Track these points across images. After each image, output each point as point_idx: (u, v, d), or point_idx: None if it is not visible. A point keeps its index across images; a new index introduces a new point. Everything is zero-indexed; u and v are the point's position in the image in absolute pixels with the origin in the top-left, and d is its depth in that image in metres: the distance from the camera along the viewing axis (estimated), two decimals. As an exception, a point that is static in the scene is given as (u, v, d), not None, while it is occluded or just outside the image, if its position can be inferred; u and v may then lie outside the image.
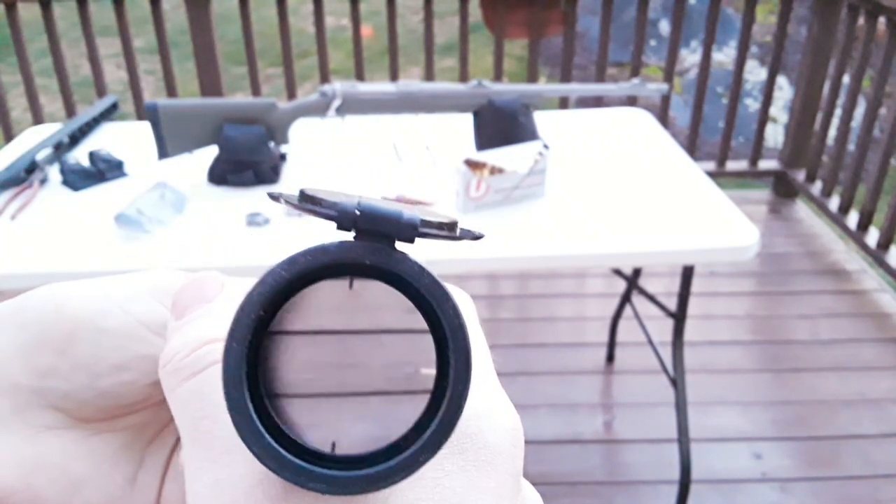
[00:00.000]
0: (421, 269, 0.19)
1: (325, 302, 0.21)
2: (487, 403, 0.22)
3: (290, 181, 1.45)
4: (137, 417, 0.26)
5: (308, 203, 0.20)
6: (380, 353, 0.21)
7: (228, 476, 0.20)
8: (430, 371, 0.20)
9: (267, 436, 0.18)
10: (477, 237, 0.22)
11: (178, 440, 0.28)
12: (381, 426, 0.20)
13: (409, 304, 0.20)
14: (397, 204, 0.21)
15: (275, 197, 0.22)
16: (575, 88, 1.66)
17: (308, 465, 0.18)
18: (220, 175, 1.42)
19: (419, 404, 0.19)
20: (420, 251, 0.20)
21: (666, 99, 2.75)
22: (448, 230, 0.21)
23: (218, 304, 0.23)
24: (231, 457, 0.19)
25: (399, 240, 0.19)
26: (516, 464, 0.22)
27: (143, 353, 0.25)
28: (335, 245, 0.19)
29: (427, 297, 0.19)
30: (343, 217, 0.19)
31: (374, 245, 0.19)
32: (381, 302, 0.21)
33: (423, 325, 0.20)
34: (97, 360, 0.24)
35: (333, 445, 0.20)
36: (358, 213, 0.19)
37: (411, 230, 0.19)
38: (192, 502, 0.20)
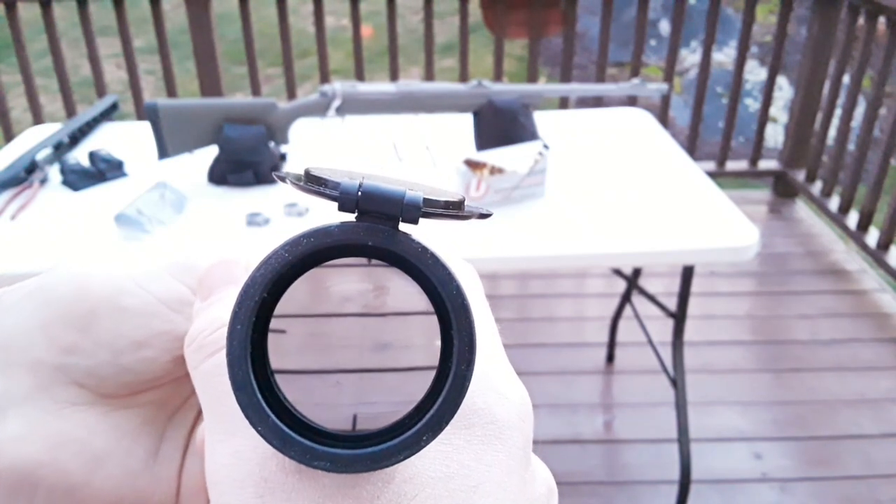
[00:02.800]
0: (423, 249, 0.19)
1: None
2: (494, 379, 0.22)
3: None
4: (158, 393, 0.27)
5: (312, 183, 0.20)
6: (396, 330, 0.22)
7: (245, 447, 0.20)
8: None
9: (272, 415, 0.19)
10: (486, 215, 0.22)
11: (198, 415, 0.29)
12: (397, 403, 0.20)
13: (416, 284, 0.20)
14: (402, 182, 0.21)
15: (281, 177, 0.22)
16: (575, 88, 1.66)
17: (312, 443, 0.19)
18: (220, 175, 1.42)
19: (428, 382, 0.20)
20: (427, 230, 0.20)
21: (666, 99, 2.75)
22: (454, 209, 0.21)
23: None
24: (249, 430, 0.19)
25: (403, 221, 0.20)
26: (525, 437, 0.22)
27: (163, 330, 0.25)
28: (337, 227, 0.19)
29: (430, 277, 0.19)
30: (345, 199, 0.19)
31: (376, 227, 0.19)
32: (389, 282, 0.21)
33: (430, 305, 0.20)
34: (118, 337, 0.25)
35: (355, 420, 0.20)
36: (360, 194, 0.19)
37: (415, 210, 0.19)
38: (210, 472, 0.21)
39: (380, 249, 0.19)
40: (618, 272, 1.92)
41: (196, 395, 0.28)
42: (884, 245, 2.37)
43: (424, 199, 0.20)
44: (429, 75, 2.69)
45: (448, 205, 0.21)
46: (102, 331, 0.24)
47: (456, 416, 0.19)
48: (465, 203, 0.22)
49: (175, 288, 0.26)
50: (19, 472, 0.23)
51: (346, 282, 0.21)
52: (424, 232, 0.20)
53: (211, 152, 1.42)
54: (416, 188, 0.21)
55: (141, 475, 0.25)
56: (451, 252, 0.22)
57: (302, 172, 0.22)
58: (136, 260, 0.27)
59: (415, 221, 0.20)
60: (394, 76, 2.65)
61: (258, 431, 0.19)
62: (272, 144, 1.43)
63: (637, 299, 1.88)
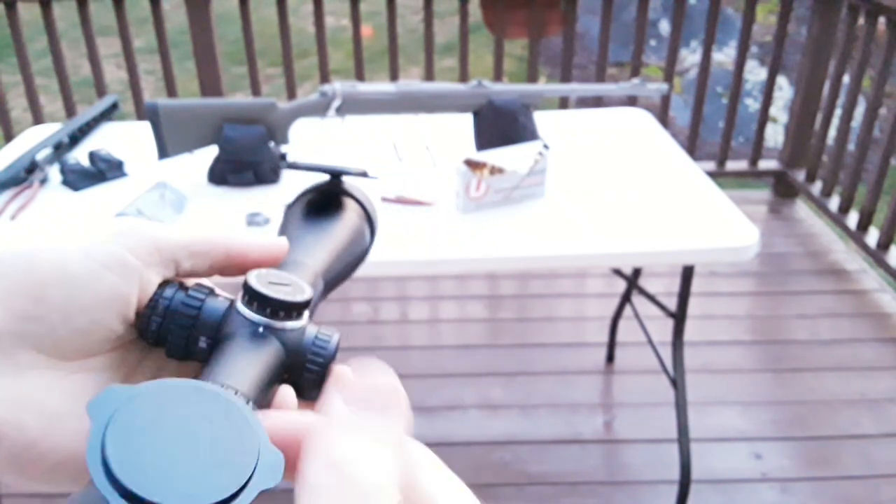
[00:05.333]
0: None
1: None
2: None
3: (290, 181, 1.45)
4: (112, 357, 0.29)
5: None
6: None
7: None
8: None
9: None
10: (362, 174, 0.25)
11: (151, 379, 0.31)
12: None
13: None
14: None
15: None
16: (575, 88, 1.66)
17: None
18: (220, 175, 1.42)
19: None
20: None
21: (666, 99, 2.75)
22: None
23: None
24: None
25: None
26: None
27: (108, 295, 0.28)
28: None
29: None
30: None
31: None
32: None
33: None
34: (68, 302, 0.27)
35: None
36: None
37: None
38: None
39: None
40: (618, 272, 1.92)
41: (150, 360, 0.31)
42: (884, 245, 2.36)
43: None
44: (429, 75, 2.69)
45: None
46: (53, 298, 0.27)
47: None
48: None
49: (119, 254, 0.28)
50: None
51: None
52: None
53: (211, 152, 1.42)
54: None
55: None
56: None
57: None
58: (81, 229, 0.29)
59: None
60: (394, 76, 2.65)
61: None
62: (272, 144, 1.43)
63: (637, 299, 1.88)
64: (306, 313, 0.29)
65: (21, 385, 0.26)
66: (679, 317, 1.51)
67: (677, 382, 1.54)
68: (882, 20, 2.35)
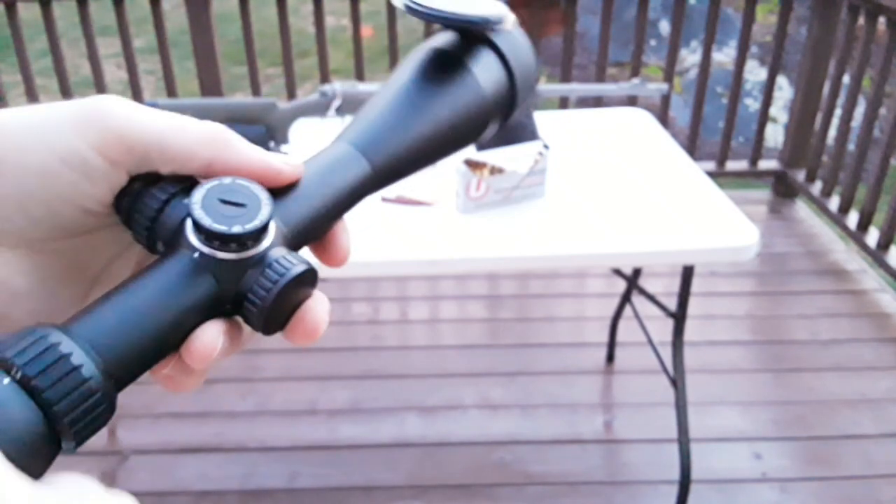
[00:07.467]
0: None
1: None
2: None
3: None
4: (87, 240, 0.28)
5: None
6: None
7: None
8: None
9: None
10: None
11: (134, 269, 0.30)
12: None
13: None
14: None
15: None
16: (575, 88, 1.66)
17: None
18: (220, 175, 1.42)
19: None
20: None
21: (666, 99, 2.75)
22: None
23: None
24: None
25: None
26: None
27: (67, 191, 0.26)
28: None
29: None
30: None
31: None
32: None
33: None
34: (23, 193, 0.25)
35: None
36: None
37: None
38: None
39: None
40: (618, 272, 1.92)
41: (136, 250, 0.29)
42: (884, 245, 2.36)
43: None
44: (429, 75, 2.68)
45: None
46: (9, 185, 0.25)
47: None
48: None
49: (81, 150, 0.25)
50: None
51: None
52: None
53: (211, 152, 1.42)
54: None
55: (65, 315, 0.25)
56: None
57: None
58: (43, 112, 0.26)
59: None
60: (394, 76, 2.65)
61: None
62: (272, 144, 1.43)
63: (637, 299, 1.88)
64: (264, 240, 0.26)
65: None
66: (679, 317, 1.51)
67: (677, 382, 1.54)
68: (882, 20, 2.35)
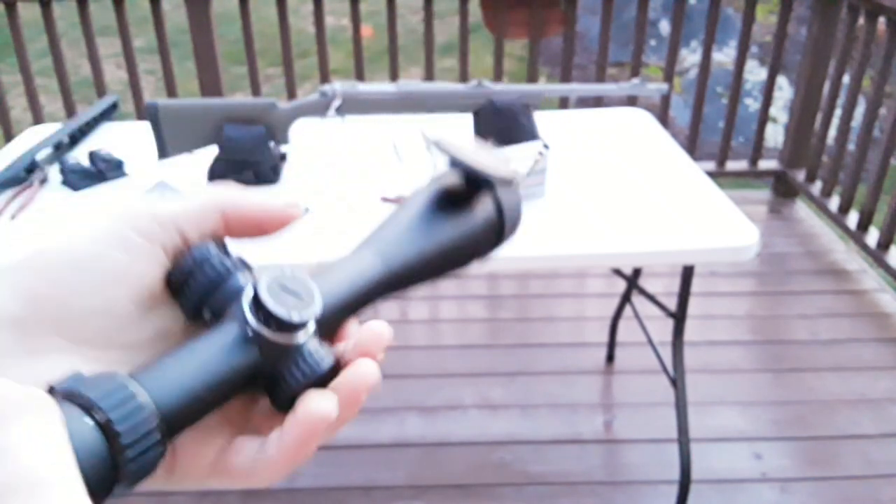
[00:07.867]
0: None
1: None
2: None
3: (290, 181, 1.45)
4: (134, 355, 0.29)
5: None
6: None
7: None
8: None
9: None
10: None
11: None
12: None
13: None
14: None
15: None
16: (575, 88, 1.66)
17: None
18: (220, 175, 1.42)
19: None
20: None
21: (666, 99, 2.75)
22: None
23: None
24: None
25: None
26: None
27: (117, 272, 0.28)
28: None
29: None
30: None
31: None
32: None
33: None
34: (79, 282, 0.27)
35: None
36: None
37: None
38: None
39: None
40: (618, 272, 1.92)
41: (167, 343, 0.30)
42: (884, 245, 2.36)
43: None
44: (429, 75, 2.69)
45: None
46: (64, 279, 0.27)
47: None
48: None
49: (122, 233, 0.29)
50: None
51: None
52: None
53: (211, 152, 1.42)
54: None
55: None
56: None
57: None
58: (84, 214, 0.29)
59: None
60: (394, 76, 2.65)
61: None
62: (272, 144, 1.43)
63: (637, 299, 1.88)
64: (307, 330, 0.29)
65: (41, 368, 0.26)
66: (679, 317, 1.51)
67: (677, 382, 1.54)
68: (882, 20, 2.35)
